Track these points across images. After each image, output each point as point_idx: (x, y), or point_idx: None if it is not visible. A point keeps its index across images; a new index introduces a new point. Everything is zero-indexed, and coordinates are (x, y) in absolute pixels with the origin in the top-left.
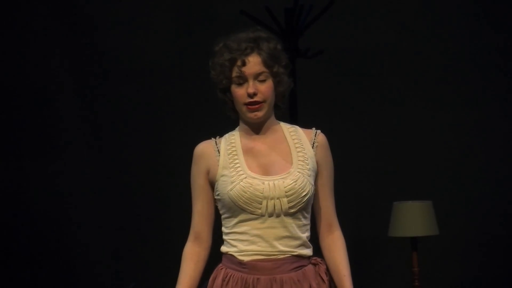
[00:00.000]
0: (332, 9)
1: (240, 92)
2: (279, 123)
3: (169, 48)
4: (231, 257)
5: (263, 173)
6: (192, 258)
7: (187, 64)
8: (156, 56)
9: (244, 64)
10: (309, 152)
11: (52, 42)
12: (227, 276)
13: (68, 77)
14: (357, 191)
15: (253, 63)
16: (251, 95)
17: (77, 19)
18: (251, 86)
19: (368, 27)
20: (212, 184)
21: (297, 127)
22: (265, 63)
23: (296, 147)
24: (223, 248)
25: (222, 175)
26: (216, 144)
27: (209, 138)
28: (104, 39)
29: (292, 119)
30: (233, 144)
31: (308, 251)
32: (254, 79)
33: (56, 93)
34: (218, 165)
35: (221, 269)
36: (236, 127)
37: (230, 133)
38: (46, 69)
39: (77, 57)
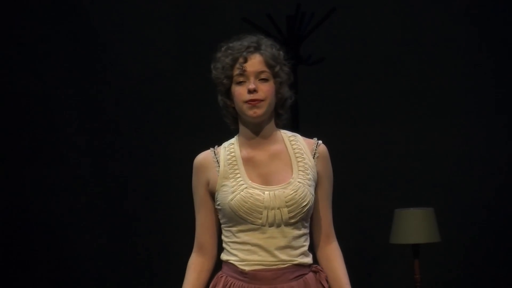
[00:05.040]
0: (333, 17)
1: (240, 91)
2: (279, 131)
3: (170, 56)
4: (231, 265)
5: (264, 183)
6: (195, 268)
7: (189, 72)
8: (157, 65)
9: (245, 61)
10: (310, 161)
11: (53, 50)
12: (227, 284)
13: (68, 83)
14: (359, 198)
15: (255, 61)
16: (251, 91)
17: (79, 26)
18: (251, 83)
19: (369, 34)
20: (212, 194)
21: (298, 135)
22: (267, 63)
23: (297, 157)
24: (223, 256)
25: (223, 185)
26: (215, 154)
27: (208, 148)
28: (105, 46)
29: (294, 126)
30: (232, 154)
31: (308, 260)
32: (255, 77)
33: (56, 100)
34: (218, 176)
35: (221, 277)
36: (236, 135)
37: (229, 141)
38: (46, 76)
39: (77, 65)
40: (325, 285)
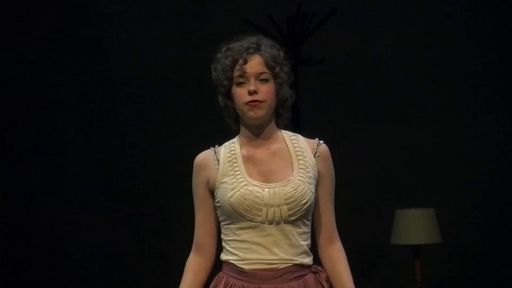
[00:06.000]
0: (334, 17)
1: (241, 92)
2: (280, 131)
3: (171, 56)
4: (231, 265)
5: (264, 180)
6: (192, 268)
7: (189, 73)
8: (158, 65)
9: (245, 62)
10: (311, 160)
11: (53, 51)
12: (228, 284)
13: (69, 84)
14: (360, 199)
15: (255, 62)
16: (251, 93)
17: (80, 27)
18: (252, 84)
19: (370, 36)
20: (212, 193)
21: (299, 135)
22: (267, 64)
23: (297, 155)
24: (223, 256)
25: (222, 182)
26: (216, 153)
27: (209, 147)
28: (106, 47)
29: (294, 127)
30: (233, 152)
31: (309, 260)
32: (255, 79)
33: (58, 100)
34: (218, 173)
35: (222, 277)
36: (237, 135)
37: (230, 141)
38: (48, 76)
39: (78, 65)
40: (325, 285)
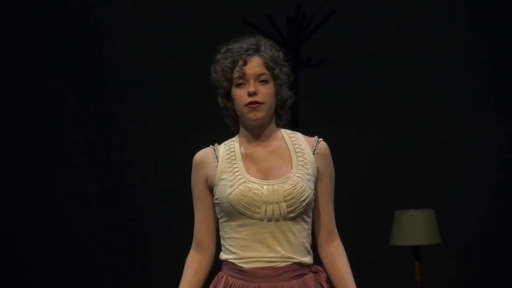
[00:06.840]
0: (334, 18)
1: (240, 93)
2: (279, 130)
3: (171, 57)
4: (231, 264)
5: (262, 177)
6: (192, 265)
7: (190, 73)
8: (158, 66)
9: (245, 63)
10: (310, 157)
11: (54, 52)
12: (228, 284)
13: (70, 84)
14: (359, 200)
15: (255, 63)
16: (251, 94)
17: (82, 29)
18: (251, 86)
19: (370, 36)
20: (211, 190)
21: (298, 133)
22: (267, 65)
23: (296, 152)
24: (222, 255)
25: (221, 179)
26: (215, 151)
27: (208, 145)
28: (107, 49)
29: (294, 127)
30: (232, 149)
31: (308, 259)
32: (255, 80)
33: (58, 100)
34: (217, 170)
35: (222, 277)
36: (237, 135)
37: (230, 139)
38: (48, 77)
39: (78, 66)
40: (325, 285)
